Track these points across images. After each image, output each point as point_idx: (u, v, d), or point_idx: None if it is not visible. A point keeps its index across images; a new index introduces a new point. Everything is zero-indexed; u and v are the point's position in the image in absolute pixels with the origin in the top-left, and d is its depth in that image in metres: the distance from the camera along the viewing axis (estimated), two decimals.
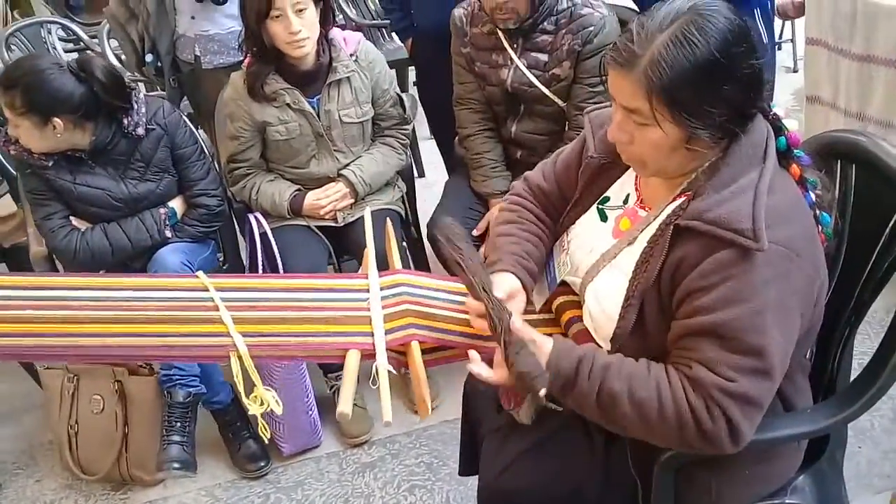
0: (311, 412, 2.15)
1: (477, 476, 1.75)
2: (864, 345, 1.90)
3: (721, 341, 1.02)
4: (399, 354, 1.24)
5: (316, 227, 2.27)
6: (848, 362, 1.34)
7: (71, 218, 2.08)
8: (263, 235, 2.14)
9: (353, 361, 1.19)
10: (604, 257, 1.22)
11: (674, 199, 1.13)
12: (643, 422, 1.05)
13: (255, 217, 2.17)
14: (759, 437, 1.16)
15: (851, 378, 1.29)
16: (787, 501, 1.28)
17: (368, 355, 1.21)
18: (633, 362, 1.09)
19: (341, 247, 2.30)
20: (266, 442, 2.14)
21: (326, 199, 2.24)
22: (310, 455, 2.18)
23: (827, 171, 1.20)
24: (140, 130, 2.01)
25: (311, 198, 2.24)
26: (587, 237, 1.29)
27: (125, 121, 2.00)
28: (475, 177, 2.27)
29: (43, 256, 2.24)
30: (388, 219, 1.61)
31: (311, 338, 1.23)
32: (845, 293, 1.30)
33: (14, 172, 2.54)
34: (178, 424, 2.02)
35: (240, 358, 1.19)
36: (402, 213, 2.38)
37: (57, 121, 1.89)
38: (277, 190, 2.24)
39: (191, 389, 2.04)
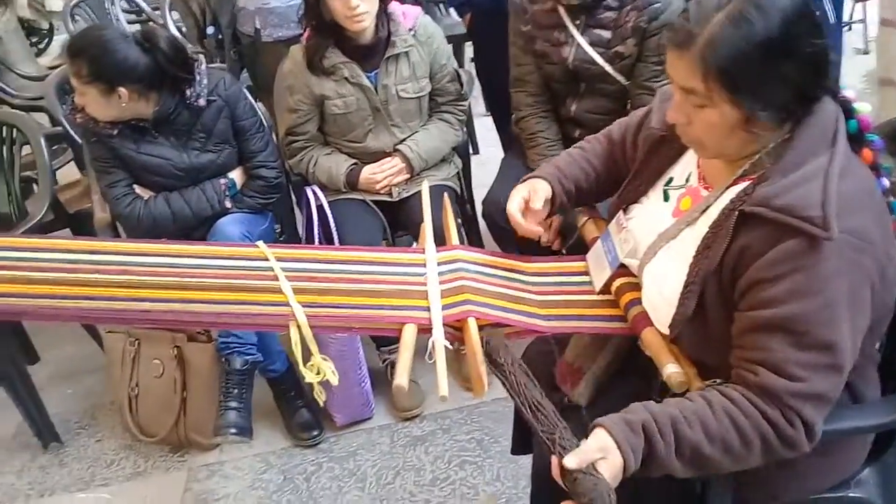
0: (363, 384, 2.17)
1: (529, 455, 1.76)
2: None
3: (790, 337, 0.98)
4: (455, 330, 1.23)
5: (371, 201, 2.27)
6: None
7: (135, 186, 2.12)
8: (320, 208, 2.16)
9: (409, 335, 1.19)
10: (661, 237, 1.20)
11: (736, 182, 1.10)
12: (730, 456, 1.01)
13: (313, 190, 2.18)
14: (826, 429, 1.13)
15: None
16: (850, 494, 1.25)
17: (425, 329, 1.21)
18: (691, 405, 1.03)
19: (396, 222, 2.30)
20: (320, 410, 2.19)
21: (382, 174, 2.24)
22: (362, 426, 2.21)
23: None
24: (201, 101, 2.04)
25: (367, 172, 2.24)
26: (647, 217, 1.27)
27: (187, 92, 2.02)
28: (531, 156, 2.24)
29: (106, 223, 2.30)
30: (445, 194, 1.61)
31: (368, 310, 1.24)
32: None
33: (80, 141, 2.62)
34: (236, 391, 2.06)
35: (299, 327, 1.20)
36: (458, 189, 2.38)
37: (122, 90, 1.92)
38: (334, 163, 2.25)
39: (248, 357, 2.07)
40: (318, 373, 1.25)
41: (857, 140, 1.07)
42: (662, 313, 1.16)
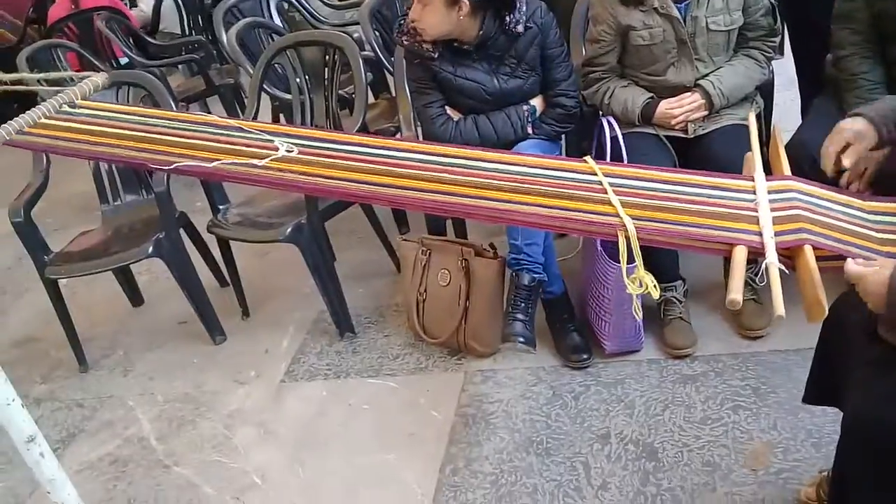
0: (637, 316, 2.19)
1: (812, 408, 1.69)
2: None
3: None
4: (787, 258, 1.21)
5: (665, 136, 2.25)
6: None
7: (446, 108, 2.28)
8: (614, 139, 2.18)
9: (740, 256, 1.19)
10: None
11: None
12: None
13: (608, 120, 2.21)
14: None
15: None
16: None
17: (755, 253, 1.20)
18: None
19: (687, 159, 2.25)
20: (590, 336, 2.26)
21: (680, 109, 2.21)
22: (630, 358, 2.25)
23: None
24: (520, 28, 2.14)
25: (665, 106, 2.22)
26: None
27: (507, 18, 2.12)
28: (848, 99, 2.07)
29: (413, 139, 2.50)
30: (775, 125, 1.56)
31: (696, 228, 1.25)
32: None
33: (389, 66, 2.86)
34: (523, 305, 2.18)
35: (627, 238, 1.25)
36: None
37: (465, 2, 2.06)
38: (631, 96, 2.25)
39: (535, 275, 2.18)
40: (640, 285, 1.29)
41: None
42: None
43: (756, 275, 1.18)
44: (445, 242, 2.43)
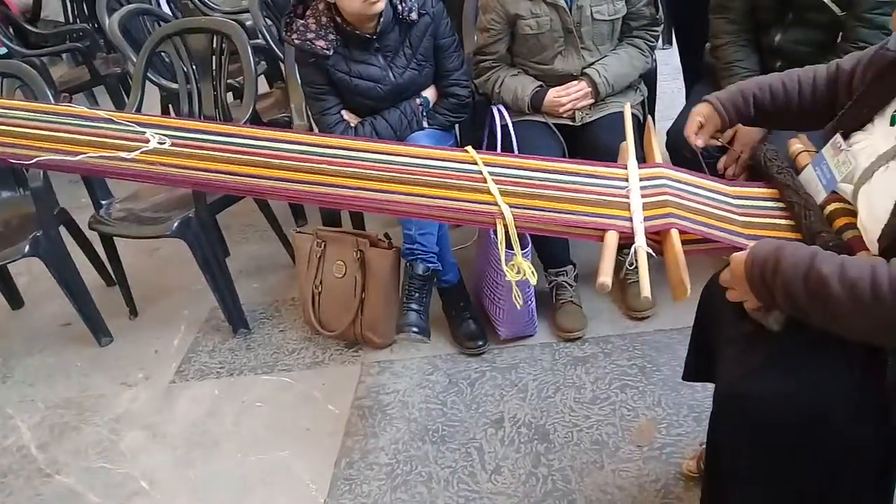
0: (530, 302, 2.23)
1: (693, 384, 1.76)
2: None
3: None
4: (654, 243, 1.25)
5: (553, 124, 2.29)
6: None
7: (342, 112, 2.24)
8: (504, 128, 2.21)
9: (611, 240, 1.22)
10: (881, 158, 1.16)
11: None
12: (856, 304, 0.97)
13: (499, 109, 2.23)
14: None
15: None
16: None
17: (626, 238, 1.23)
18: (850, 256, 1.03)
19: (576, 146, 2.31)
20: (485, 323, 2.29)
21: (567, 98, 2.25)
22: (524, 342, 2.29)
23: None
24: (413, 15, 2.13)
25: (552, 94, 2.26)
26: (872, 142, 1.22)
27: (400, 6, 2.11)
28: (725, 85, 2.14)
29: (304, 130, 2.46)
30: (649, 116, 1.61)
31: (570, 215, 1.28)
32: None
33: (281, 55, 2.79)
34: (417, 295, 2.18)
35: (505, 226, 1.26)
36: (641, 117, 2.34)
37: None
38: (520, 84, 2.28)
39: (430, 265, 2.18)
40: (518, 272, 1.30)
41: None
42: (872, 231, 1.13)
43: (627, 259, 1.22)
44: (340, 234, 2.40)
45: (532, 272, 1.31)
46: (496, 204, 1.29)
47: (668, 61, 3.22)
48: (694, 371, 1.67)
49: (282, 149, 1.40)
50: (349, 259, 2.33)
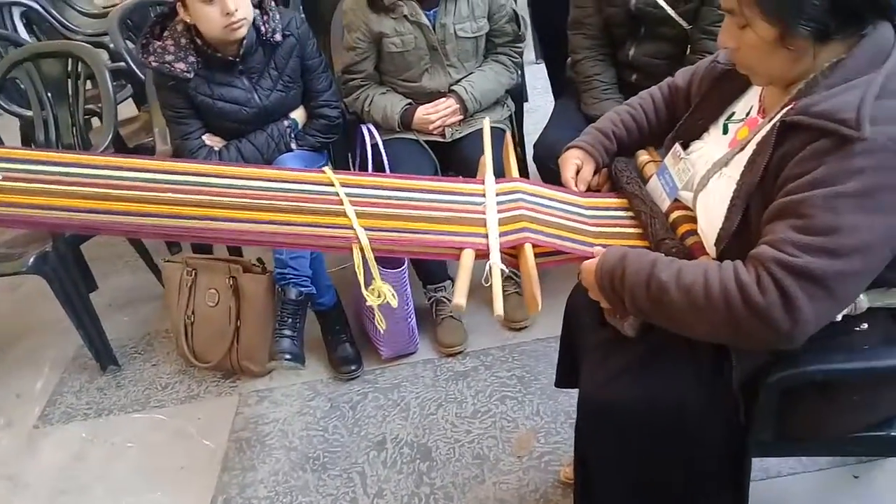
0: (409, 320, 2.22)
1: (569, 390, 1.80)
2: None
3: (794, 220, 0.99)
4: (511, 257, 1.27)
5: (424, 141, 2.30)
6: None
7: (204, 137, 2.17)
8: (374, 146, 2.20)
9: (467, 259, 1.22)
10: (715, 165, 1.23)
11: (788, 104, 1.11)
12: (692, 308, 1.03)
13: (368, 128, 2.22)
14: (875, 365, 1.15)
15: None
16: (892, 434, 1.26)
17: (482, 255, 1.24)
18: (688, 261, 1.10)
19: (447, 162, 2.33)
20: (363, 346, 2.25)
21: (436, 114, 2.27)
22: (406, 360, 2.27)
23: None
24: (277, 37, 2.09)
25: (421, 112, 2.27)
26: (707, 150, 1.28)
27: (263, 28, 2.06)
28: (585, 99, 2.24)
29: (168, 155, 2.35)
30: (507, 131, 1.63)
31: (428, 235, 1.27)
32: None
33: (142, 76, 2.67)
34: (290, 320, 2.13)
35: (362, 250, 1.25)
36: (510, 132, 2.39)
37: None
38: (389, 102, 2.28)
39: (302, 289, 2.13)
40: (378, 296, 1.29)
41: None
42: (710, 235, 1.18)
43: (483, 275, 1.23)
44: (211, 261, 2.33)
45: (392, 295, 1.30)
46: (352, 228, 1.27)
47: (542, 75, 3.30)
48: (564, 378, 1.71)
49: (120, 177, 1.33)
50: (222, 286, 2.26)
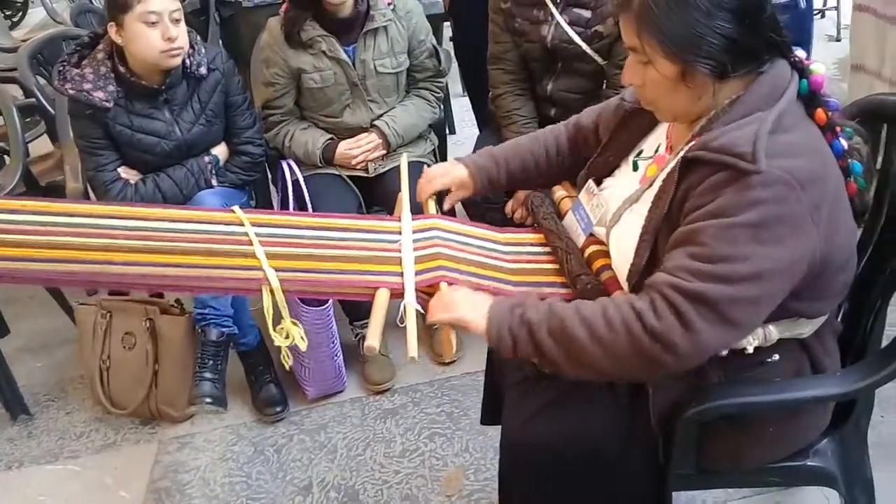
0: (336, 358, 2.18)
1: (496, 426, 1.78)
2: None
3: (692, 248, 1.01)
4: (427, 295, 1.25)
5: (347, 176, 2.28)
6: (880, 331, 1.32)
7: (119, 170, 2.09)
8: (295, 182, 2.16)
9: (382, 299, 1.20)
10: (626, 202, 1.24)
11: (691, 140, 1.13)
12: (595, 342, 1.03)
13: (288, 164, 2.18)
14: (787, 397, 1.17)
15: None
16: (808, 463, 1.28)
17: (397, 294, 1.22)
18: (578, 301, 1.10)
19: (371, 197, 2.31)
20: (288, 386, 2.19)
21: (358, 150, 2.25)
22: (333, 400, 2.22)
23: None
24: (202, 70, 2.05)
25: (343, 147, 2.25)
26: (618, 187, 1.30)
27: (188, 60, 2.02)
28: (506, 133, 2.25)
29: (79, 193, 2.29)
30: (426, 166, 1.62)
31: (341, 275, 1.25)
32: (881, 261, 1.28)
33: (52, 112, 2.58)
34: (211, 362, 2.06)
35: (271, 292, 1.21)
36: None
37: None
38: (310, 138, 2.25)
39: (224, 329, 2.07)
40: (286, 336, 1.25)
41: (811, 100, 1.09)
42: (623, 270, 1.19)
43: (395, 323, 1.20)
44: (127, 302, 2.23)
45: (302, 337, 1.26)
46: (262, 269, 1.23)
47: (470, 107, 3.33)
48: (489, 415, 1.69)
49: (10, 221, 1.26)
50: (138, 329, 2.17)
